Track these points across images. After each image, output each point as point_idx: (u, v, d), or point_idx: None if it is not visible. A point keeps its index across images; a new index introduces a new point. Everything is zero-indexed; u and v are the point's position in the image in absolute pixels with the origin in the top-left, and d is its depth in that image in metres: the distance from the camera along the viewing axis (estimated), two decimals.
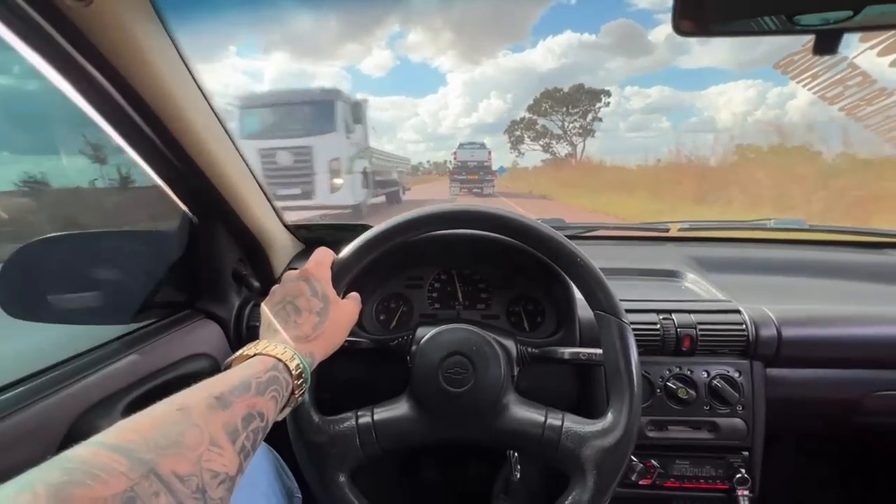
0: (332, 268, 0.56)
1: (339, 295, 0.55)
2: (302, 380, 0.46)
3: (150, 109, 0.53)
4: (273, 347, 0.45)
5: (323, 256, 0.56)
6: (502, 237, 0.60)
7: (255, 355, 0.44)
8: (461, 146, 20.34)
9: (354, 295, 0.59)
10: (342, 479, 0.55)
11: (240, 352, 0.45)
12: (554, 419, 0.55)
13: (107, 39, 0.45)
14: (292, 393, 0.45)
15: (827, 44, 0.43)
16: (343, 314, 0.53)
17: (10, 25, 0.40)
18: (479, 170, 19.26)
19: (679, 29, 0.45)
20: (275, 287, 0.53)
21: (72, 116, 0.50)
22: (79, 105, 0.50)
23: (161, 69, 0.52)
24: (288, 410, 0.46)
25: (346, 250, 0.58)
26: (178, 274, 0.75)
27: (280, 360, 0.44)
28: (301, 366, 0.45)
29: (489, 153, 20.04)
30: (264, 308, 0.51)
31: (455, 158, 20.11)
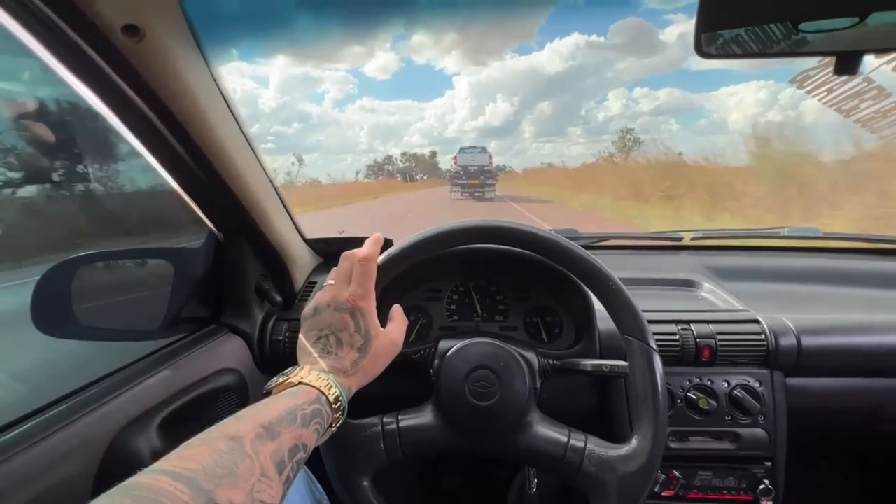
0: (388, 261, 0.56)
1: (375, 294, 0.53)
2: (340, 413, 0.46)
3: (188, 134, 0.54)
4: (316, 378, 0.46)
5: (369, 286, 0.53)
6: (520, 250, 0.61)
7: (299, 383, 0.45)
8: (462, 150, 20.30)
9: (398, 317, 0.57)
10: (366, 483, 0.56)
11: (283, 378, 0.46)
12: (577, 440, 0.55)
13: (154, 71, 0.47)
14: (330, 425, 0.46)
15: (848, 65, 0.44)
16: (383, 348, 0.52)
17: (64, 59, 0.42)
18: (480, 174, 19.16)
19: (701, 51, 0.47)
20: (318, 306, 0.51)
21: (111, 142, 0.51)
22: (118, 128, 0.52)
23: (199, 94, 0.53)
24: (323, 440, 0.47)
25: (391, 251, 0.59)
26: (203, 290, 0.76)
27: (323, 392, 0.45)
28: (341, 399, 0.46)
29: (490, 157, 20.01)
30: (304, 330, 0.51)
31: (455, 163, 20.05)
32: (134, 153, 0.54)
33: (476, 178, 18.98)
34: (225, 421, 0.38)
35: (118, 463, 0.50)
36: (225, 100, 0.59)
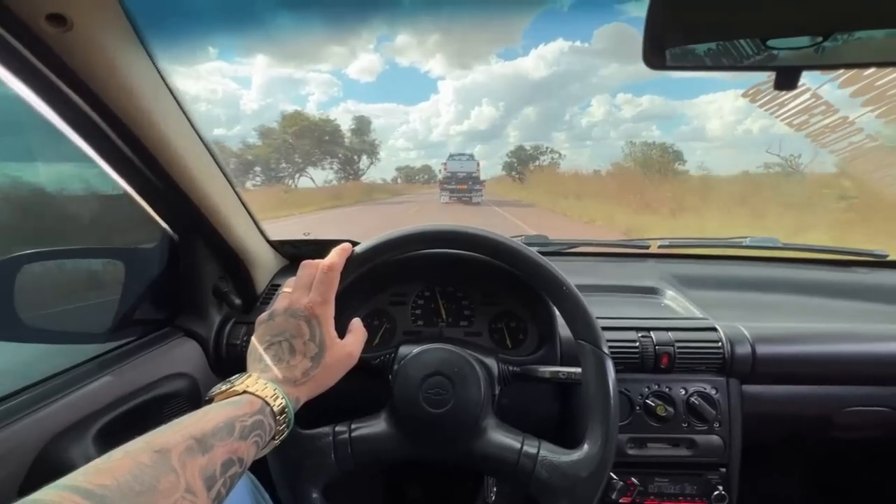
0: (345, 263, 0.54)
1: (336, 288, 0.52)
2: (284, 425, 0.44)
3: (129, 130, 0.53)
4: (263, 387, 0.43)
5: (329, 294, 0.51)
6: (483, 256, 0.60)
7: (243, 392, 0.43)
8: (451, 157, 21.14)
9: (357, 330, 0.55)
10: (315, 495, 0.55)
11: (227, 386, 0.44)
12: (530, 447, 0.55)
13: (86, 63, 0.45)
14: (273, 438, 0.44)
15: (787, 80, 0.45)
16: (337, 360, 0.50)
17: None
18: (468, 180, 20.03)
19: (649, 62, 0.47)
20: (273, 311, 0.50)
21: (50, 138, 0.50)
22: (57, 125, 0.50)
23: (140, 89, 0.52)
24: (265, 452, 0.45)
25: (362, 247, 0.58)
26: (157, 291, 0.74)
27: (268, 403, 0.43)
28: (286, 410, 0.44)
29: (477, 164, 20.92)
30: (257, 335, 0.49)
31: (445, 169, 20.77)
32: (75, 150, 0.52)
33: (464, 183, 19.69)
34: (154, 431, 0.36)
35: (47, 473, 0.47)
36: (174, 97, 0.57)
